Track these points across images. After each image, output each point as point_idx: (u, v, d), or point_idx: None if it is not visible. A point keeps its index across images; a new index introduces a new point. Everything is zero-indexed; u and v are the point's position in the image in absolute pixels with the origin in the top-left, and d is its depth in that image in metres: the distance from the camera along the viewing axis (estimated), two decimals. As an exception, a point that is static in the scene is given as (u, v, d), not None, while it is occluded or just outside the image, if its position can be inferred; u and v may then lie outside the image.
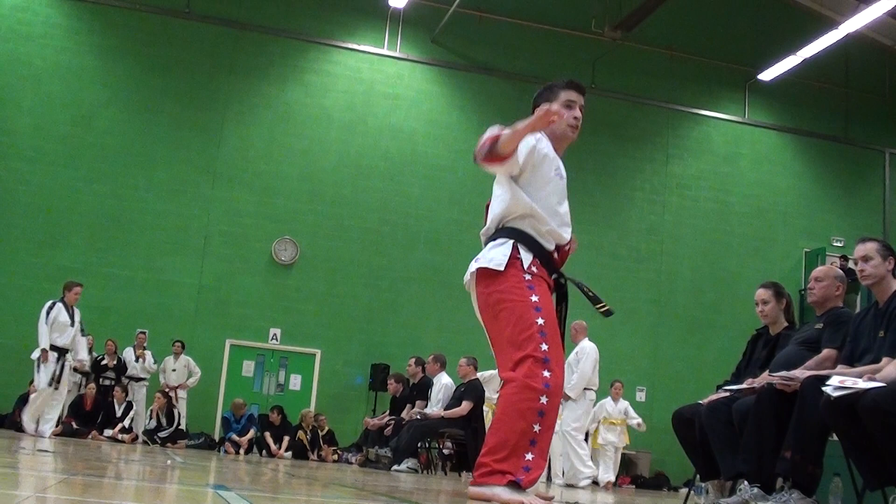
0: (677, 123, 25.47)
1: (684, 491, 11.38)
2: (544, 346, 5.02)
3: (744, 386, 7.40)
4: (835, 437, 6.52)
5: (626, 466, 22.27)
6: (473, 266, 5.29)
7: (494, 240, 5.32)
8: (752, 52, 25.50)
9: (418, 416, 14.82)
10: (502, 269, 5.17)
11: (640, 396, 23.49)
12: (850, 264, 20.30)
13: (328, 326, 22.03)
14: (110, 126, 21.64)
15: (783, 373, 6.72)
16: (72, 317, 15.22)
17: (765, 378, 7.01)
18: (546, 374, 4.97)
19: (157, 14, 22.19)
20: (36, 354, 14.94)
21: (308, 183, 22.49)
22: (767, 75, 24.99)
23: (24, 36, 21.59)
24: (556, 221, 5.36)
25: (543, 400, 4.93)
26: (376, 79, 23.42)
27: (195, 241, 21.65)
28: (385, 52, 23.51)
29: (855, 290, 18.97)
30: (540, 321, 5.07)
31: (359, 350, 22.01)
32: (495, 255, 5.22)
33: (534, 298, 5.13)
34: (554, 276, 5.41)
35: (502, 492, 4.79)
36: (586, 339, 15.11)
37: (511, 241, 5.25)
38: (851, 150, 26.64)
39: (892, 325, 6.41)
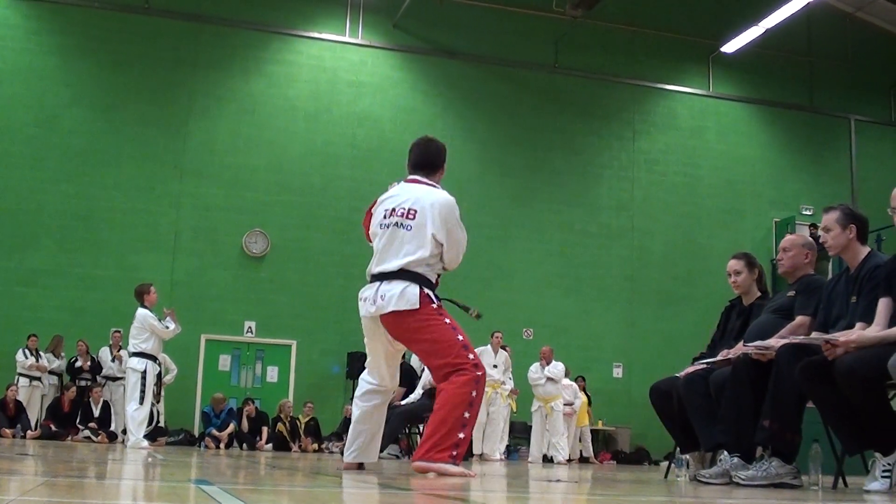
0: (642, 99, 25.53)
1: (665, 464, 11.43)
2: (471, 356, 6.44)
3: (719, 358, 7.45)
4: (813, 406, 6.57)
5: (607, 442, 22.39)
6: (389, 308, 6.51)
7: (399, 279, 6.57)
8: (714, 25, 25.54)
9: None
10: (418, 307, 6.46)
11: (618, 372, 23.60)
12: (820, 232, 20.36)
13: (302, 317, 22.01)
14: (75, 126, 21.50)
15: (758, 343, 6.76)
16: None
17: (740, 349, 7.05)
18: (479, 373, 6.39)
19: (117, 11, 22.03)
20: (141, 366, 14.10)
21: (276, 174, 22.42)
22: (730, 47, 25.04)
23: (-18, 39, 21.45)
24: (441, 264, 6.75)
25: (473, 393, 6.34)
26: (339, 67, 23.37)
27: (166, 238, 21.57)
28: (347, 39, 23.44)
29: (826, 258, 19.05)
30: (460, 338, 6.48)
31: (334, 339, 21.99)
32: (409, 297, 6.48)
33: (447, 321, 6.52)
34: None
35: (449, 466, 6.14)
36: None
37: (417, 286, 6.52)
38: (817, 118, 26.77)
39: (864, 291, 6.45)
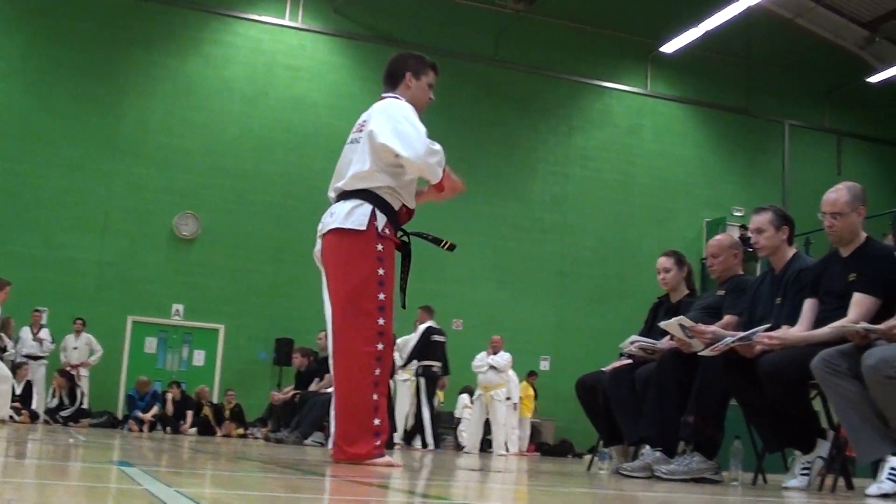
0: (580, 95, 25.62)
1: (588, 457, 11.50)
2: (380, 321, 5.78)
3: (639, 337, 7.58)
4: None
5: (532, 434, 22.46)
6: (333, 224, 5.90)
7: (353, 198, 5.96)
8: (654, 25, 25.66)
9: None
10: (364, 228, 5.80)
11: (545, 365, 23.69)
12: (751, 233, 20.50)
13: (231, 301, 21.86)
14: (5, 100, 21.14)
15: (681, 318, 6.81)
16: None
17: (666, 342, 7.13)
18: (379, 346, 5.76)
19: (53, -15, 21.73)
20: None
21: (210, 156, 22.22)
22: (670, 47, 25.18)
23: (-87, 7, 21.07)
24: (409, 191, 6.11)
25: (377, 372, 5.73)
26: (278, 50, 23.20)
27: (95, 217, 21.29)
28: (286, 22, 23.28)
29: (754, 258, 19.24)
30: (381, 297, 5.79)
31: (263, 325, 21.86)
32: (356, 216, 5.84)
33: (380, 272, 5.81)
34: (399, 235, 6.11)
35: (375, 460, 5.68)
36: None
37: (370, 206, 5.88)
38: (752, 121, 27.02)
39: (789, 293, 6.53)
